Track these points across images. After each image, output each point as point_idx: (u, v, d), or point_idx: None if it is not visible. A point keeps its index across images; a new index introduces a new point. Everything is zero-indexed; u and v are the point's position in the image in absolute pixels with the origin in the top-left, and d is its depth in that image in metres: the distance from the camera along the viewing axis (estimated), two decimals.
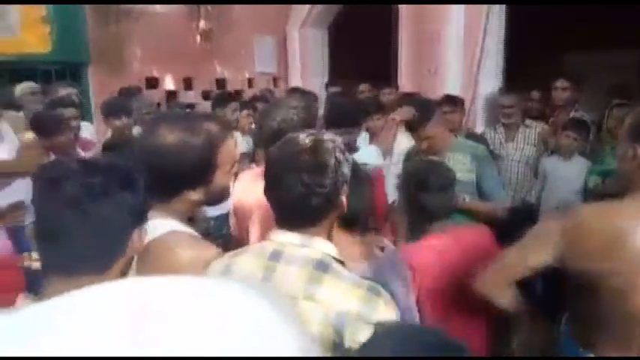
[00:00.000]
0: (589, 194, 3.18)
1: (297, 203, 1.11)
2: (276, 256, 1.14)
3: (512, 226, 2.81)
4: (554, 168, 3.33)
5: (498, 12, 4.05)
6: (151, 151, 1.26)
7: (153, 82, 5.42)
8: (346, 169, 1.16)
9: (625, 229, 1.29)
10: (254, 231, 1.82)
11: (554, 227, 1.39)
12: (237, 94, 5.45)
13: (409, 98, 3.74)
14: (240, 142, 3.77)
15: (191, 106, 5.52)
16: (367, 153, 2.45)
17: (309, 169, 1.10)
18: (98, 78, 4.93)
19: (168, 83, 5.55)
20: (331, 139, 1.17)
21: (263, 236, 1.70)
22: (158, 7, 5.32)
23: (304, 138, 1.15)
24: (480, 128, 4.05)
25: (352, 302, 1.06)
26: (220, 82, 5.88)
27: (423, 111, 2.64)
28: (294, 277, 1.10)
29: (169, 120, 1.33)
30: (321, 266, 1.11)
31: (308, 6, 5.79)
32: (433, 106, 2.73)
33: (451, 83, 4.10)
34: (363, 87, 4.51)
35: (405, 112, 2.52)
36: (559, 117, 3.70)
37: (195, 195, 1.31)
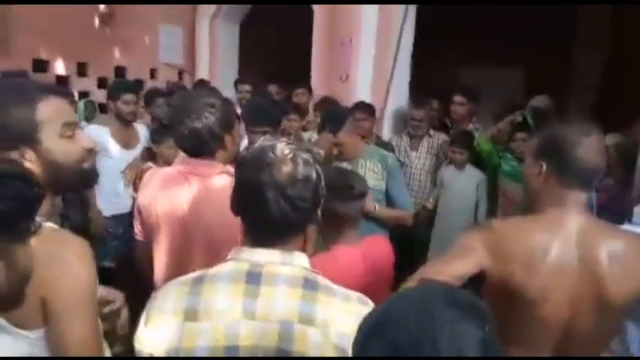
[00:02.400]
0: (481, 199, 3.42)
1: (278, 219, 1.03)
2: (254, 277, 1.04)
3: (412, 230, 2.98)
4: (450, 177, 3.55)
5: (410, 23, 4.20)
6: None
7: (42, 65, 4.91)
8: (323, 181, 1.11)
9: (542, 246, 1.37)
10: (160, 256, 1.68)
11: (476, 240, 1.43)
12: (137, 84, 5.13)
13: (324, 104, 3.78)
14: (144, 135, 3.55)
15: (84, 93, 5.10)
16: None
17: (292, 182, 1.03)
18: None
19: (59, 67, 5.06)
20: (307, 149, 1.10)
21: (173, 264, 1.61)
22: None
23: (282, 149, 1.06)
24: (386, 135, 4.17)
25: (350, 319, 1.01)
26: (119, 71, 5.49)
27: (336, 119, 2.65)
28: (284, 300, 1.02)
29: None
30: (310, 284, 1.05)
31: None
32: (344, 112, 2.75)
33: (362, 90, 4.17)
34: (272, 88, 4.45)
35: (325, 141, 2.56)
36: (457, 129, 3.91)
37: (27, 163, 1.12)
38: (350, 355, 0.92)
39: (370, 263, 1.77)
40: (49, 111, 1.17)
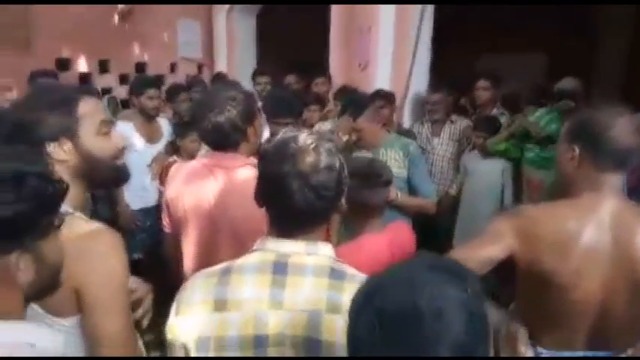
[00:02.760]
0: (506, 186, 3.37)
1: (302, 208, 1.03)
2: (281, 268, 1.05)
3: (436, 217, 2.96)
4: (474, 163, 3.50)
5: (428, 12, 4.15)
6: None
7: (64, 64, 4.99)
8: (346, 170, 1.11)
9: (574, 231, 1.35)
10: (188, 248, 1.71)
11: (506, 226, 1.43)
12: (158, 80, 5.18)
13: (344, 92, 3.75)
14: (167, 129, 3.59)
15: (107, 90, 5.17)
16: None
17: (315, 171, 1.03)
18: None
19: (81, 65, 5.14)
20: (329, 138, 1.11)
21: (201, 255, 1.64)
22: None
23: (305, 139, 1.06)
24: (407, 124, 4.14)
25: None
26: (140, 66, 5.55)
27: (356, 105, 2.64)
28: (311, 289, 1.03)
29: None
30: (336, 274, 1.06)
31: None
32: (366, 99, 2.73)
33: (381, 78, 4.14)
34: (290, 78, 4.43)
35: (345, 126, 2.53)
36: (480, 114, 3.87)
37: (63, 154, 1.20)
38: None
39: (396, 250, 1.78)
40: (89, 108, 1.25)
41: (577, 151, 1.40)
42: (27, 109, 1.20)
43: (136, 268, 1.22)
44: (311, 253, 1.07)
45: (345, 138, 2.69)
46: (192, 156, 3.08)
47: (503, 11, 5.75)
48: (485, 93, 3.80)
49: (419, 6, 4.07)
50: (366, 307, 0.73)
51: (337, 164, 1.07)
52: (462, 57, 5.69)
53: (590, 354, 1.45)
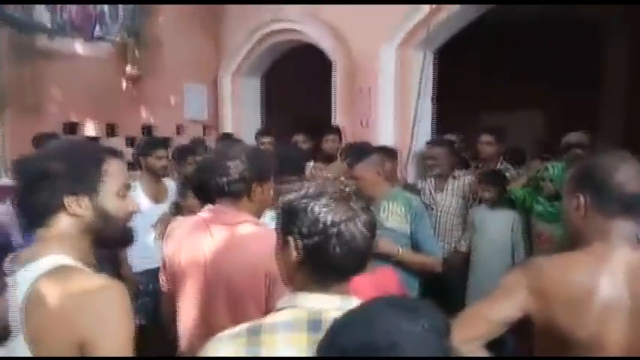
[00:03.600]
0: (517, 239, 3.29)
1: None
2: (317, 325, 0.99)
3: (445, 275, 2.88)
4: (482, 217, 3.44)
5: (429, 70, 4.25)
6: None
7: (72, 128, 5.10)
8: None
9: (588, 285, 1.29)
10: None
11: (519, 281, 1.36)
12: (166, 141, 5.26)
13: (351, 149, 3.77)
14: (172, 190, 3.59)
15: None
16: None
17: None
18: (10, 124, 4.56)
19: (89, 129, 5.24)
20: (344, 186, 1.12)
21: (197, 314, 1.57)
22: (80, 49, 5.09)
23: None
24: (411, 181, 4.13)
25: None
26: (147, 129, 5.65)
27: (356, 153, 2.63)
28: None
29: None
30: None
31: (241, 55, 5.78)
32: (369, 149, 2.71)
33: (384, 135, 4.18)
34: (298, 137, 4.48)
35: (338, 169, 2.51)
36: (484, 169, 3.85)
37: (79, 209, 1.19)
38: None
39: (381, 292, 1.71)
40: (115, 169, 1.27)
41: (582, 199, 1.35)
42: (54, 159, 1.21)
43: (138, 333, 1.17)
44: (343, 309, 0.97)
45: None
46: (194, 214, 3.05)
47: (503, 69, 5.89)
48: (488, 147, 3.81)
49: (419, 63, 4.17)
50: (330, 347, 0.81)
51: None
52: (463, 114, 5.77)
53: None
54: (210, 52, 6.03)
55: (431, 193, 3.78)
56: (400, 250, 2.42)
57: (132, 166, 4.55)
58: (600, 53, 5.98)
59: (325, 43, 4.76)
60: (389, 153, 3.56)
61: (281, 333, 1.00)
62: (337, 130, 4.42)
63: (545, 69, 5.86)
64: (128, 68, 5.35)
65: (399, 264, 2.44)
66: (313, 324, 1.00)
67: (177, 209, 3.45)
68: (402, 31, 4.18)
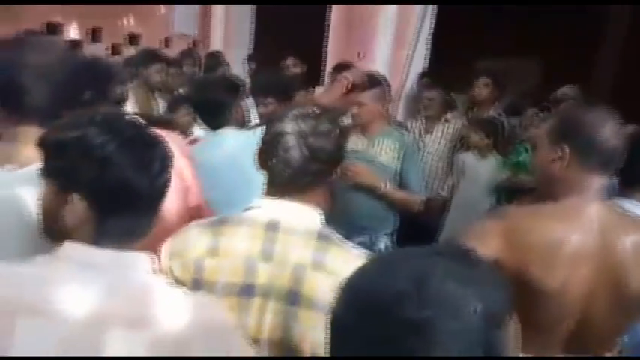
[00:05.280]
0: (501, 189, 3.30)
1: (298, 166, 1.11)
2: (273, 226, 1.12)
3: (423, 217, 2.90)
4: (471, 165, 3.41)
5: (430, 10, 4.09)
6: None
7: (53, 29, 4.85)
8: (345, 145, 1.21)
9: (561, 239, 1.31)
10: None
11: (492, 229, 1.36)
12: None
13: (342, 68, 3.64)
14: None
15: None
16: None
17: (314, 133, 1.11)
18: None
19: (73, 32, 5.00)
20: (335, 109, 1.24)
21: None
22: None
23: (311, 107, 1.17)
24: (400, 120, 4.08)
25: None
26: (133, 38, 5.41)
27: (368, 79, 2.54)
28: (299, 247, 1.10)
29: None
30: (323, 236, 1.13)
31: None
32: (376, 79, 2.63)
33: (379, 70, 4.06)
34: (290, 61, 4.32)
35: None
36: (477, 114, 3.79)
37: None
38: None
39: None
40: None
41: (565, 151, 1.33)
42: None
43: None
44: (302, 216, 1.14)
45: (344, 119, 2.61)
46: (184, 132, 3.00)
47: (502, 14, 5.70)
48: (485, 90, 3.71)
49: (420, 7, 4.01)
50: (343, 295, 0.69)
51: (337, 131, 1.15)
52: (460, 58, 5.63)
53: (568, 358, 1.42)
54: None
55: (420, 135, 3.74)
56: (384, 186, 2.40)
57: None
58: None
59: None
60: (388, 88, 3.45)
61: (243, 227, 1.13)
62: (345, 66, 4.26)
63: (545, 19, 5.70)
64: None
65: (383, 199, 2.44)
66: (272, 223, 1.12)
67: (167, 125, 3.37)
68: None
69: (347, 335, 0.64)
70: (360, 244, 2.42)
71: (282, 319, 1.07)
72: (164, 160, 0.92)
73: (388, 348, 0.58)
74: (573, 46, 5.63)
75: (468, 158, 3.44)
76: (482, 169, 3.36)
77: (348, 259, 1.09)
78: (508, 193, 3.30)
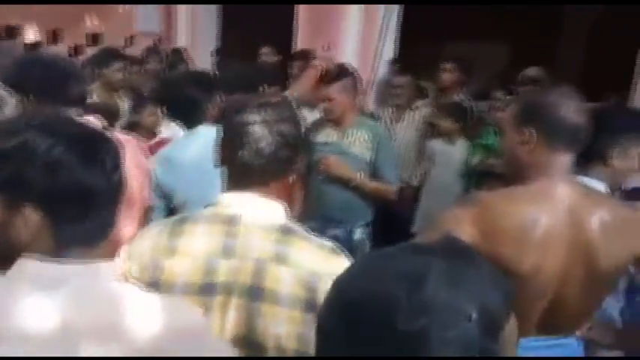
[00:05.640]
0: (472, 173, 3.34)
1: (268, 155, 1.09)
2: (234, 220, 1.10)
3: (396, 206, 2.92)
4: (440, 151, 3.43)
5: None
6: None
7: (11, 32, 4.69)
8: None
9: (532, 221, 1.32)
10: None
11: (462, 214, 1.37)
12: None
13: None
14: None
15: None
16: None
17: (281, 120, 1.11)
18: None
19: (31, 34, 4.84)
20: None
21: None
22: None
23: (266, 95, 1.23)
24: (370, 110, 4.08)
25: (321, 262, 1.08)
26: (95, 38, 5.27)
27: (332, 71, 2.54)
28: (261, 241, 1.09)
29: None
30: (286, 229, 1.11)
31: None
32: (343, 71, 2.62)
33: (346, 61, 4.05)
34: (266, 50, 4.27)
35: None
36: (444, 99, 3.81)
37: None
38: (318, 291, 1.03)
39: None
40: None
41: (531, 132, 1.35)
42: None
43: None
44: (265, 209, 1.12)
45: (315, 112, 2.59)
46: (151, 132, 2.94)
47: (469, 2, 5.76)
48: (449, 75, 3.72)
49: None
50: (332, 297, 0.65)
51: (299, 117, 1.16)
52: (428, 44, 5.66)
53: (541, 339, 1.44)
54: None
55: (389, 124, 3.75)
56: (359, 177, 2.41)
57: None
58: None
59: None
60: (357, 78, 3.45)
61: (201, 224, 1.11)
62: (304, 56, 4.23)
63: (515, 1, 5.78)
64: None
65: (357, 190, 2.46)
66: (232, 218, 1.10)
67: (132, 127, 3.30)
68: None
69: (335, 343, 0.61)
70: (336, 236, 2.49)
71: (246, 315, 1.06)
72: (115, 155, 0.85)
73: (379, 355, 0.56)
74: (539, 29, 5.73)
75: (438, 145, 3.47)
76: (452, 154, 3.39)
77: (311, 251, 1.09)
78: (478, 178, 3.34)
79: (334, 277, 0.98)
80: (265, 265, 1.06)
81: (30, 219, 0.77)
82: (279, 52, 4.31)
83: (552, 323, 1.41)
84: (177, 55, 4.64)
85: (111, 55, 3.39)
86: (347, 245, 2.49)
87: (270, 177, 1.12)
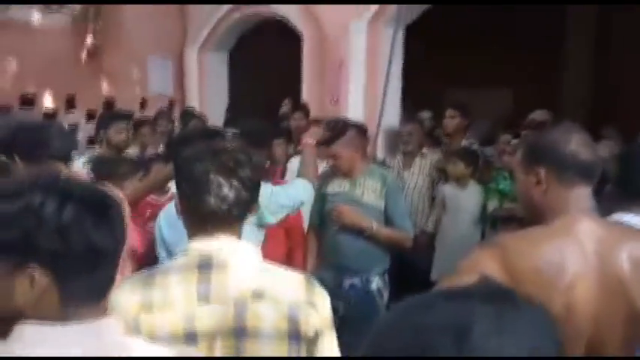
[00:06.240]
0: (488, 219, 3.31)
1: (233, 200, 1.12)
2: (206, 265, 1.11)
3: (412, 254, 2.89)
4: (452, 196, 3.42)
5: (399, 47, 4.21)
6: None
7: (29, 101, 4.86)
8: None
9: (556, 261, 1.29)
10: None
11: (486, 258, 1.35)
12: (126, 114, 5.09)
13: (317, 122, 3.70)
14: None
15: (73, 126, 5.04)
16: (301, 188, 2.14)
17: (238, 165, 1.14)
18: None
19: (47, 101, 5.02)
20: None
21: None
22: (37, 19, 4.84)
23: (219, 142, 1.26)
24: (380, 158, 4.13)
25: (298, 291, 1.14)
26: (108, 103, 5.45)
27: (332, 129, 2.59)
28: (236, 281, 1.10)
29: None
30: (259, 266, 1.15)
31: (208, 28, 5.61)
32: (343, 126, 2.67)
33: (353, 112, 4.14)
34: (286, 102, 4.38)
35: (315, 133, 2.46)
36: (451, 145, 3.86)
37: None
38: (299, 321, 1.10)
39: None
40: None
41: (542, 172, 1.35)
42: None
43: None
44: (235, 250, 1.14)
45: (322, 166, 2.63)
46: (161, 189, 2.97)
47: (471, 47, 5.91)
48: (452, 121, 3.78)
49: (389, 40, 4.13)
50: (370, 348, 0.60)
51: (252, 162, 1.19)
52: (432, 92, 5.78)
53: None
54: (175, 23, 5.84)
55: (399, 171, 3.78)
56: (373, 225, 2.41)
57: (92, 141, 4.41)
58: (566, 34, 6.08)
59: (294, 18, 4.65)
60: (361, 129, 3.51)
61: (175, 275, 1.11)
62: (304, 108, 4.34)
63: (514, 48, 5.91)
64: (88, 39, 5.13)
65: (372, 239, 2.44)
66: (203, 264, 1.11)
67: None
68: (372, 6, 4.13)
69: None
70: (353, 285, 2.48)
71: (231, 353, 1.08)
72: (120, 212, 0.84)
73: None
74: (540, 75, 5.84)
75: (448, 190, 3.47)
76: (464, 198, 3.39)
77: (287, 283, 1.14)
78: (494, 222, 3.32)
79: (313, 302, 1.12)
80: (245, 304, 1.09)
81: (37, 281, 0.75)
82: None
83: None
84: (189, 113, 4.75)
85: (113, 117, 3.48)
86: (364, 294, 2.49)
87: (234, 221, 1.15)
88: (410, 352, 0.54)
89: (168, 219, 1.90)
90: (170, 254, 1.86)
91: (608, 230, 1.32)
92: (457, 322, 0.54)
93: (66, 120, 5.03)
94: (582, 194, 1.34)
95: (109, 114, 3.77)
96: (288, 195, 2.03)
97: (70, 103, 5.17)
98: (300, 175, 2.20)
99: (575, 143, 1.33)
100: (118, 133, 3.32)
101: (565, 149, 1.33)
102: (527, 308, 0.58)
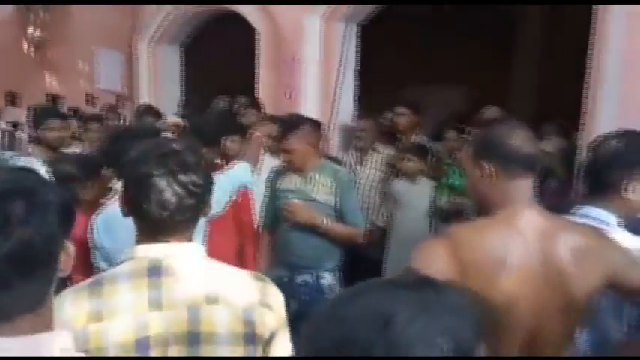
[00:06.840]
0: (440, 213, 3.38)
1: (173, 206, 1.07)
2: (155, 271, 1.08)
3: (365, 249, 2.91)
4: (404, 192, 3.48)
5: (353, 43, 4.22)
6: None
7: None
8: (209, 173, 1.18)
9: (500, 250, 1.34)
10: None
11: (435, 249, 1.38)
12: (75, 112, 4.92)
13: (272, 118, 3.68)
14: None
15: (15, 124, 4.80)
16: (240, 169, 2.30)
17: (184, 169, 1.09)
18: None
19: None
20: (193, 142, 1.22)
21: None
22: None
23: (168, 142, 1.16)
24: (334, 153, 4.13)
25: (252, 293, 1.12)
26: (53, 98, 5.23)
27: (285, 125, 2.58)
28: (188, 285, 1.08)
29: None
30: (208, 268, 1.13)
31: (158, 20, 5.46)
32: (297, 121, 2.67)
33: (308, 107, 4.14)
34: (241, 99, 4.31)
35: (267, 128, 2.45)
36: (402, 142, 3.91)
37: None
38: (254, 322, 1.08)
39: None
40: None
41: (487, 166, 1.41)
42: None
43: None
44: (185, 254, 1.11)
45: (274, 163, 2.61)
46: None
47: (426, 44, 6.01)
48: (402, 118, 3.83)
49: (342, 36, 4.15)
50: (309, 339, 0.63)
51: (202, 163, 1.14)
52: (386, 88, 5.83)
53: None
54: (125, 15, 5.64)
55: (352, 167, 3.81)
56: (325, 221, 2.42)
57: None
58: (514, 30, 6.29)
59: (249, 13, 4.60)
60: (315, 125, 3.51)
61: (122, 282, 1.07)
62: (257, 104, 4.29)
63: (463, 45, 6.05)
64: (31, 30, 4.90)
65: (324, 235, 2.45)
66: (153, 269, 1.08)
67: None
68: (326, 2, 4.13)
69: None
70: (305, 282, 2.48)
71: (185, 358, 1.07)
72: (50, 194, 0.76)
73: None
74: (492, 72, 6.00)
75: (400, 185, 3.53)
76: (415, 194, 3.45)
77: (239, 284, 1.12)
78: (445, 217, 3.39)
79: (267, 303, 1.11)
80: (198, 309, 1.07)
81: None
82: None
83: (532, 353, 1.40)
84: (145, 110, 4.57)
85: (45, 113, 3.29)
86: (316, 291, 2.49)
87: (177, 227, 1.11)
88: (338, 345, 0.56)
89: (107, 223, 1.77)
90: (111, 262, 1.71)
91: (549, 222, 1.39)
92: (381, 310, 0.56)
93: (8, 117, 4.80)
94: (525, 185, 1.41)
95: (41, 111, 3.48)
96: (228, 178, 2.07)
97: (12, 99, 4.94)
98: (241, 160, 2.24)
99: (519, 139, 1.41)
100: (49, 130, 3.16)
101: (510, 145, 1.40)
102: (448, 291, 0.61)
